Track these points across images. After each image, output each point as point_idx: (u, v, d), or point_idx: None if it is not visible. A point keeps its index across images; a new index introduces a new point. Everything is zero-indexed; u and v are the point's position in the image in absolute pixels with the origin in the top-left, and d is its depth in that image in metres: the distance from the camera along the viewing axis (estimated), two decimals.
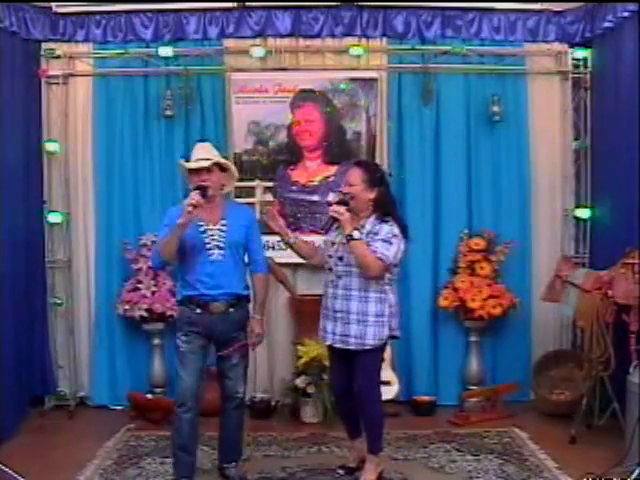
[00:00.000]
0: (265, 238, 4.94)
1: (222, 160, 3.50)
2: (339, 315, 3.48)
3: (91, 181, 5.05)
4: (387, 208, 3.51)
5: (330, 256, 3.54)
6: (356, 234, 3.36)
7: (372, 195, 3.48)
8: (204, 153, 3.43)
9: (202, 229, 3.37)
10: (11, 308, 4.43)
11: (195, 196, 3.24)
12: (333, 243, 3.54)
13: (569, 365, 4.85)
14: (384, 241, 3.39)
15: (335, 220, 3.43)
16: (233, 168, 3.59)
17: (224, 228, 3.40)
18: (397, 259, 3.46)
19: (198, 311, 3.38)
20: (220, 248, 3.38)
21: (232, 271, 3.43)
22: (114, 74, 4.99)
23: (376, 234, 3.42)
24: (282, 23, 4.97)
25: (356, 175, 3.48)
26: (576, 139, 5.11)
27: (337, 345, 3.52)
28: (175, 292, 4.75)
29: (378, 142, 4.98)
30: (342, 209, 3.40)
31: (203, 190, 3.30)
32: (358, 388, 3.50)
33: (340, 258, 3.48)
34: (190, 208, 3.21)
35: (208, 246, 3.37)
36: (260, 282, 3.58)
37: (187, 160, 3.48)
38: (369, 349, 3.46)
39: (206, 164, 3.37)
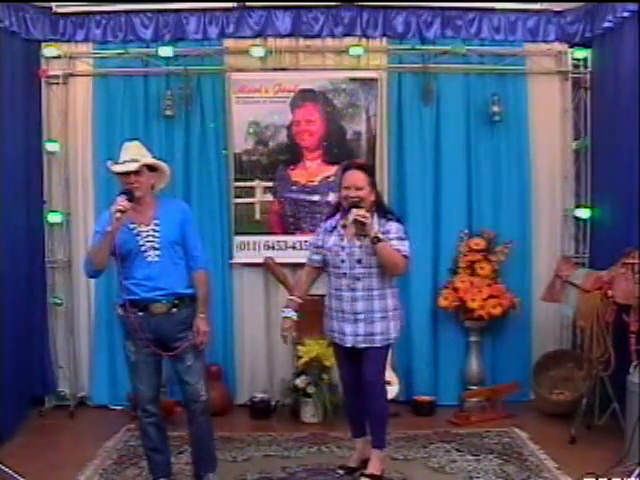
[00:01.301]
0: (265, 238, 4.99)
1: (150, 160, 3.36)
2: (361, 316, 3.50)
3: (91, 181, 5.05)
4: (384, 206, 3.63)
5: (342, 261, 3.51)
6: (381, 235, 3.39)
7: (373, 196, 3.54)
8: (131, 154, 3.29)
9: (135, 231, 3.29)
10: (11, 308, 4.42)
11: (122, 201, 3.15)
12: (343, 247, 3.52)
13: (569, 365, 4.85)
14: (399, 239, 3.47)
15: (362, 224, 3.38)
16: (163, 166, 3.45)
17: (157, 228, 3.31)
18: None
19: (140, 314, 3.29)
20: (155, 249, 3.29)
21: (171, 271, 3.32)
22: (114, 74, 4.99)
23: (388, 233, 3.46)
24: (282, 23, 4.97)
25: (361, 178, 3.49)
26: (576, 139, 5.11)
27: (360, 346, 3.52)
28: None
29: (378, 142, 4.98)
30: (367, 213, 3.40)
31: (130, 193, 3.22)
32: (370, 380, 3.53)
33: (359, 261, 3.48)
34: (118, 214, 3.13)
35: (143, 248, 3.28)
36: (200, 279, 3.42)
37: (116, 161, 3.34)
38: (391, 343, 3.59)
39: (133, 167, 3.25)
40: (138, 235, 3.29)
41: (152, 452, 3.43)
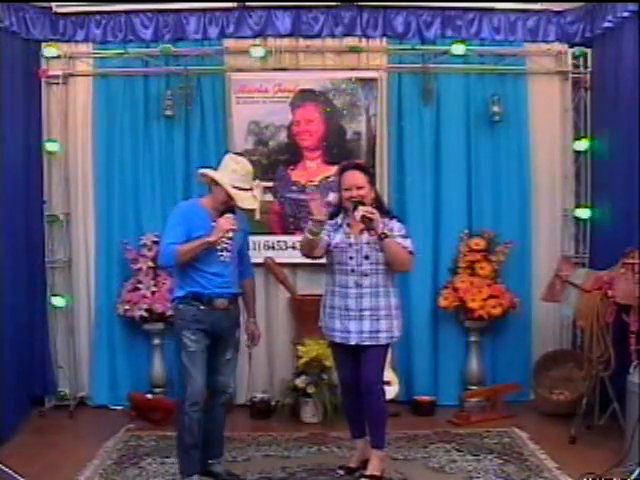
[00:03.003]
0: (265, 238, 4.99)
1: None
2: (367, 313, 3.51)
3: (91, 181, 5.05)
4: (384, 205, 3.66)
5: (351, 257, 3.53)
6: (388, 232, 3.41)
7: (373, 195, 3.57)
8: (249, 181, 3.48)
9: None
10: (11, 308, 4.43)
11: (235, 222, 3.37)
12: (350, 244, 3.54)
13: (569, 365, 4.86)
14: (403, 237, 3.50)
15: (370, 220, 3.39)
16: None
17: (231, 233, 3.47)
18: None
19: (202, 307, 3.44)
20: (228, 250, 3.47)
21: (235, 272, 3.57)
22: (114, 74, 4.99)
23: (391, 231, 3.48)
24: (282, 23, 4.97)
25: (361, 178, 3.53)
26: (577, 139, 5.08)
27: (365, 343, 3.52)
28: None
29: (378, 142, 4.98)
30: (373, 209, 3.42)
31: (232, 210, 3.42)
32: (370, 380, 3.54)
33: (366, 257, 3.51)
34: (231, 234, 3.37)
35: (219, 248, 3.44)
36: (252, 285, 3.80)
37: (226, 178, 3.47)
38: (393, 342, 3.62)
39: (257, 206, 3.53)
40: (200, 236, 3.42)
41: (192, 449, 3.44)
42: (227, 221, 3.36)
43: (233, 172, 3.43)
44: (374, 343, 3.52)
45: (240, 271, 3.63)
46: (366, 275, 3.51)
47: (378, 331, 3.52)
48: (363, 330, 3.51)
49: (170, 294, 4.74)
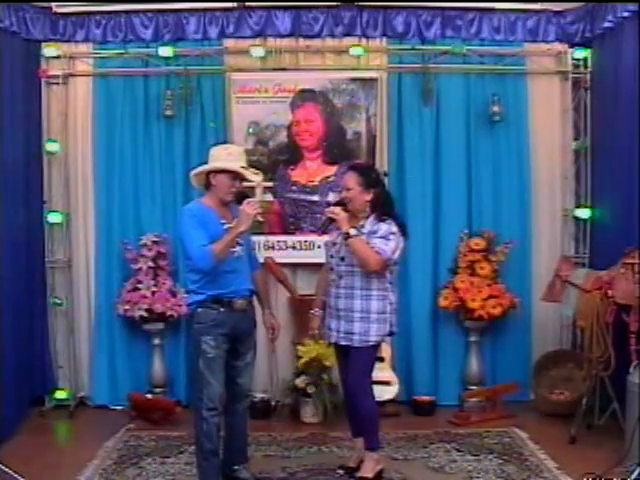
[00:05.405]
0: (265, 238, 4.98)
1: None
2: (342, 313, 3.55)
3: (91, 181, 5.05)
4: (385, 208, 3.62)
5: (332, 256, 3.61)
6: (353, 231, 3.44)
7: (369, 197, 3.56)
8: (243, 159, 3.45)
9: (225, 227, 3.34)
10: (11, 308, 4.42)
11: (257, 205, 3.31)
12: (334, 244, 3.62)
13: (569, 365, 4.86)
14: (382, 238, 3.48)
15: (332, 220, 3.51)
16: None
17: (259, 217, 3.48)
18: (396, 256, 3.53)
19: (222, 310, 3.34)
20: (239, 244, 3.38)
21: (247, 266, 3.49)
22: (114, 74, 4.99)
23: (375, 233, 3.49)
24: (282, 23, 4.97)
25: (352, 179, 3.56)
26: (576, 139, 5.10)
27: (341, 342, 3.59)
28: (175, 292, 4.80)
29: (378, 142, 4.98)
30: (338, 209, 3.49)
31: (247, 195, 3.42)
32: (350, 381, 3.58)
33: (342, 258, 3.55)
34: (261, 218, 3.38)
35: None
36: (263, 277, 3.73)
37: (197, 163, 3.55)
38: (371, 345, 3.55)
39: (260, 179, 3.57)
40: (227, 230, 3.33)
41: (212, 456, 3.34)
42: (251, 206, 3.25)
43: (229, 155, 3.40)
44: (348, 344, 3.55)
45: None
46: (341, 277, 3.56)
47: (352, 333, 3.53)
48: (339, 329, 3.58)
49: (170, 294, 4.79)
